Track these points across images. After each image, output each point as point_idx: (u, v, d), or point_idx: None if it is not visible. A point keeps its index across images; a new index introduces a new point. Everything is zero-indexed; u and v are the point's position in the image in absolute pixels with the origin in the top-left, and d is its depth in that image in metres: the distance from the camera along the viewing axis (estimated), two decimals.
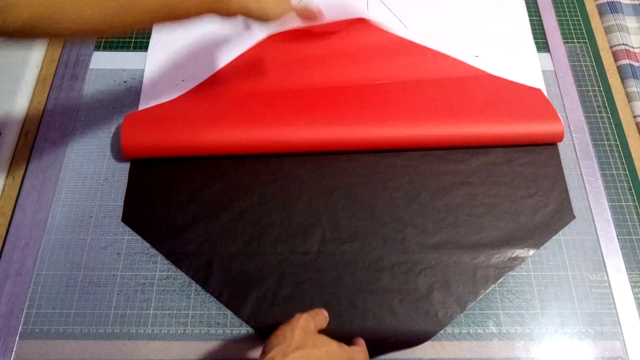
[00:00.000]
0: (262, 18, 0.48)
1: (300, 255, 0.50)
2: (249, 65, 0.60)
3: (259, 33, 0.62)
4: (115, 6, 0.37)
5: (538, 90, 0.58)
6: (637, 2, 0.69)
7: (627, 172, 0.55)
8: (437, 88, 0.58)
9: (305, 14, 0.53)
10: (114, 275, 0.50)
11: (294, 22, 0.52)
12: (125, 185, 0.54)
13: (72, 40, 0.38)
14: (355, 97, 0.57)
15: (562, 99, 0.60)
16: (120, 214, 0.52)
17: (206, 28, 0.64)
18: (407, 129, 0.54)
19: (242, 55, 0.61)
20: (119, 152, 0.56)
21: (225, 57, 0.61)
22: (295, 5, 0.51)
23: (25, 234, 0.51)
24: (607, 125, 0.58)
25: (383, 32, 0.63)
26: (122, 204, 0.53)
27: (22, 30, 0.34)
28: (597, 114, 0.59)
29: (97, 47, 0.63)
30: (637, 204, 0.54)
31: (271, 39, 0.62)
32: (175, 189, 0.53)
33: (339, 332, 0.42)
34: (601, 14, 0.68)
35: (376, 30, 0.63)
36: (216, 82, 0.59)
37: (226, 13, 0.45)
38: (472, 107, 0.56)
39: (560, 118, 0.55)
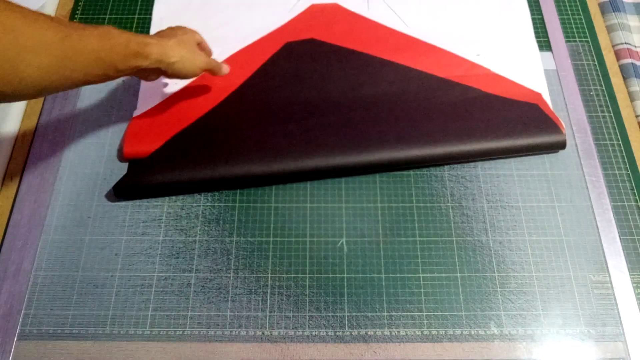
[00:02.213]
0: (178, 73, 0.48)
1: None
2: (245, 60, 0.60)
3: (257, 32, 0.62)
4: (56, 58, 0.36)
5: (538, 95, 0.57)
6: (639, 1, 0.68)
7: (630, 172, 0.55)
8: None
9: (216, 71, 0.54)
10: (112, 276, 0.49)
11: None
12: None
13: (14, 100, 0.38)
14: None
15: (564, 98, 0.59)
16: (118, 214, 0.52)
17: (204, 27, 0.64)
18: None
19: (238, 52, 0.61)
20: (117, 152, 0.56)
21: (223, 55, 0.61)
22: (208, 61, 0.52)
23: (23, 234, 0.51)
24: (610, 125, 0.58)
25: (384, 29, 0.63)
26: (121, 204, 0.52)
27: None
28: (599, 114, 0.59)
29: None
30: (639, 204, 0.53)
31: (271, 36, 0.62)
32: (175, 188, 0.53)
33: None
34: (603, 12, 0.67)
35: (377, 26, 0.63)
36: (214, 78, 0.59)
37: (146, 64, 0.44)
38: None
39: (563, 125, 0.55)
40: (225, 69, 0.55)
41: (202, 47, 0.54)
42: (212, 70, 0.53)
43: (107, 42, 0.40)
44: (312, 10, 0.65)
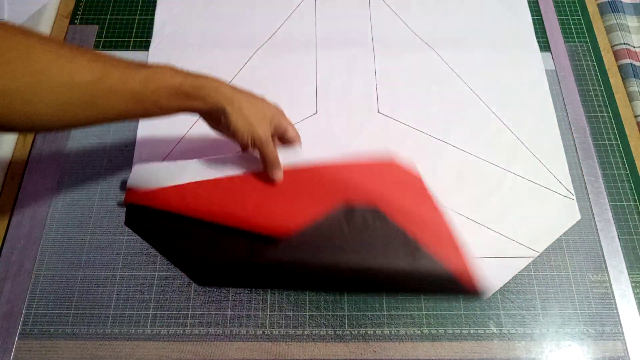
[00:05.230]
0: (227, 127, 0.41)
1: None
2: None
3: (259, 36, 0.62)
4: (84, 99, 0.34)
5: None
6: (638, 2, 0.68)
7: (628, 172, 0.55)
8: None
9: (270, 165, 0.44)
10: (113, 275, 0.49)
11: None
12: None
13: (33, 131, 0.37)
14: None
15: (563, 99, 0.60)
16: (119, 214, 0.52)
17: (205, 30, 0.64)
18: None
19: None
20: (118, 152, 0.56)
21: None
22: (267, 140, 0.43)
23: (25, 234, 0.51)
24: (608, 125, 0.58)
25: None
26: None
27: None
28: (598, 114, 0.59)
29: (97, 47, 0.63)
30: (638, 203, 0.54)
31: (330, 170, 0.49)
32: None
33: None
34: (602, 13, 0.67)
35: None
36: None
37: (199, 108, 0.40)
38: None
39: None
40: (279, 174, 0.45)
41: (281, 130, 0.45)
42: (267, 157, 0.43)
43: (152, 84, 0.37)
44: (388, 166, 0.49)
